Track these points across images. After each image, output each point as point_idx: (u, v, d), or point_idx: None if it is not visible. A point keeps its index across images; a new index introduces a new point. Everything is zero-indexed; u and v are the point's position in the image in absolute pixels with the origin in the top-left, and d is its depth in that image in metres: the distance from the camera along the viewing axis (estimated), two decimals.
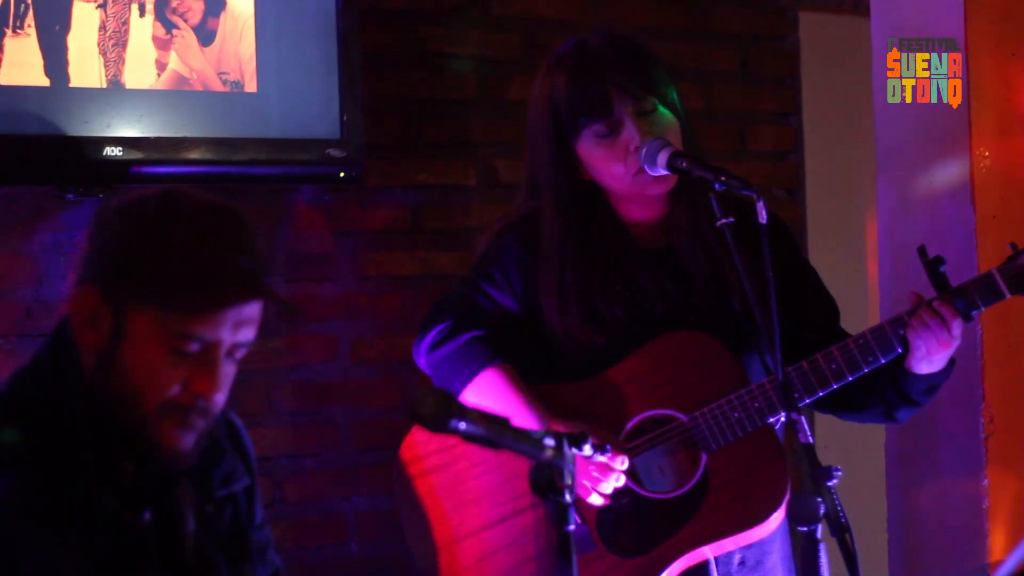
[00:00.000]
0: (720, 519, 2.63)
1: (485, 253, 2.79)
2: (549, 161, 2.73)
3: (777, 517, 2.64)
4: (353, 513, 3.76)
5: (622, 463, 2.58)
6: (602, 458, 2.37)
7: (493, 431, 1.88)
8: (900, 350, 2.64)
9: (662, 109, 2.69)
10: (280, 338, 3.68)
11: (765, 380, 2.64)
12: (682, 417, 2.64)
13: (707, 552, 2.65)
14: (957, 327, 2.62)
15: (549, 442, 1.91)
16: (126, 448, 1.93)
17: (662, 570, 2.62)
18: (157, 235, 1.90)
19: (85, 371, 1.93)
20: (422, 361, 2.75)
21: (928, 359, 2.64)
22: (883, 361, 2.65)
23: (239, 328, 1.93)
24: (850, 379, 2.64)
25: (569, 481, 1.90)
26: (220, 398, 1.94)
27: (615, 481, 2.58)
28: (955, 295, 2.63)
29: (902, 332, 2.63)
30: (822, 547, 2.30)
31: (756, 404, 2.63)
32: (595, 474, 2.58)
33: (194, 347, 1.90)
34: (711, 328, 2.70)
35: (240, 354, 1.95)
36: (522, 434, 1.92)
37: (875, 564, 3.70)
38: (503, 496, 2.67)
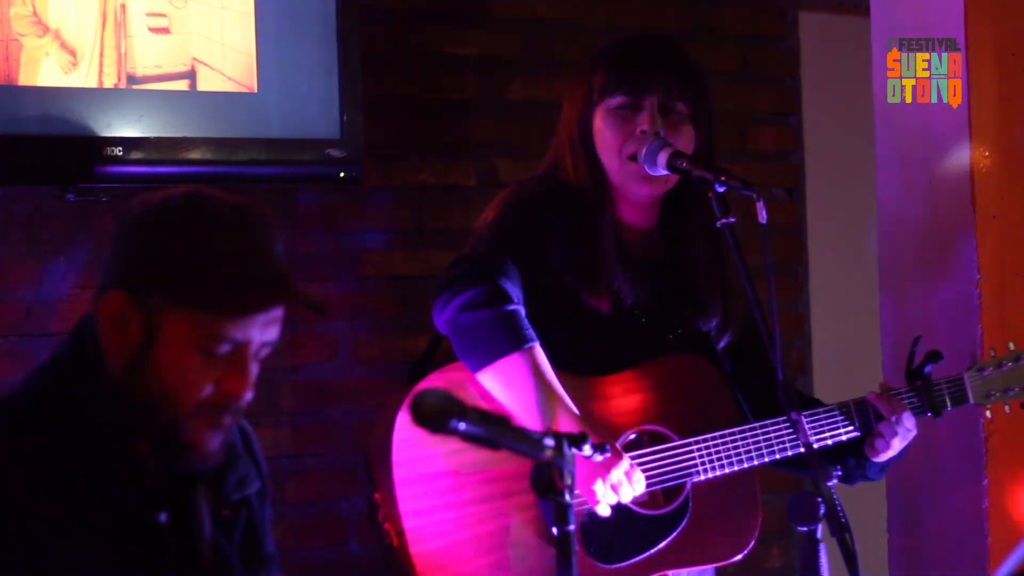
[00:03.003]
0: (696, 547, 2.68)
1: (503, 228, 2.68)
2: (571, 133, 2.74)
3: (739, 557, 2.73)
4: (353, 513, 3.76)
5: (639, 481, 2.57)
6: (599, 458, 2.36)
7: (493, 431, 1.88)
8: (869, 430, 2.75)
9: (687, 120, 2.71)
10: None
11: (758, 424, 2.69)
12: (675, 438, 2.66)
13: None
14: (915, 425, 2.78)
15: (549, 442, 1.91)
16: (152, 448, 1.93)
17: None
18: (189, 239, 1.91)
19: (109, 373, 1.94)
20: (446, 316, 2.58)
21: (893, 452, 2.76)
22: (858, 435, 2.76)
23: (267, 328, 1.96)
24: (829, 444, 2.74)
25: (569, 481, 1.90)
26: (249, 397, 1.96)
27: (626, 497, 2.56)
28: (928, 393, 2.79)
29: (875, 415, 2.75)
30: (822, 547, 2.31)
31: (750, 445, 2.69)
32: (609, 485, 2.55)
33: (225, 348, 1.92)
34: (687, 347, 2.75)
35: (265, 353, 1.97)
36: (522, 434, 1.93)
37: (875, 564, 3.70)
38: (486, 495, 2.65)
